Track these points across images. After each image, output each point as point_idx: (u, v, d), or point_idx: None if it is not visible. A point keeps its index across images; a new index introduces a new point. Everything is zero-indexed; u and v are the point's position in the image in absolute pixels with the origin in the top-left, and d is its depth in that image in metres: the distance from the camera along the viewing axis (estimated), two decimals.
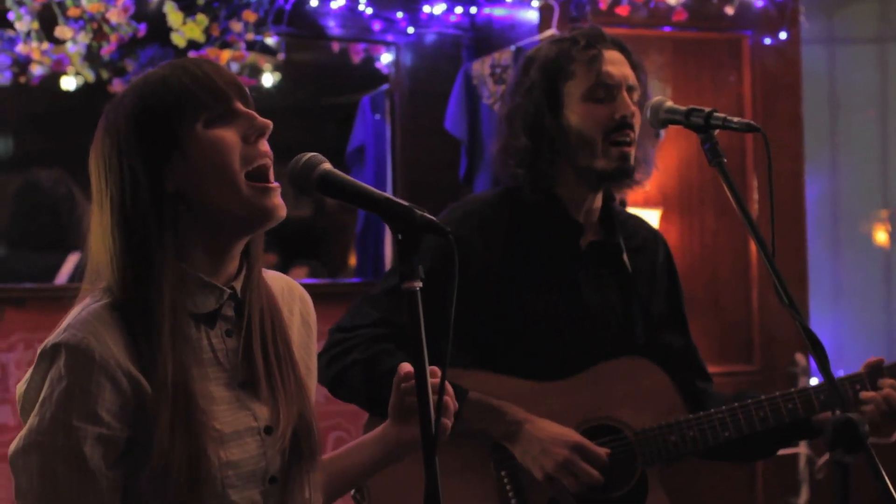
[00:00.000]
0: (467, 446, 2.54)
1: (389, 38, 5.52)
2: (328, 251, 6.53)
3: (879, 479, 1.86)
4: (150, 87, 1.74)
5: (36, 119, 5.58)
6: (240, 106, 1.76)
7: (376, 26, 5.43)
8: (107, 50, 4.70)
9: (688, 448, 2.59)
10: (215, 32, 4.76)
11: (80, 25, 4.63)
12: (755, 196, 5.21)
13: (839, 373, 2.61)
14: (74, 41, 4.64)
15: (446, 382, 1.79)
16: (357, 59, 5.68)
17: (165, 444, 1.66)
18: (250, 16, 4.81)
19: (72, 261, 4.71)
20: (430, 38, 5.57)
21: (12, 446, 1.68)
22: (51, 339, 1.69)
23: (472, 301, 2.58)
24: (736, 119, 2.24)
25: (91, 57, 4.83)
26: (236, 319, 1.81)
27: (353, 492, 2.54)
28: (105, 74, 5.05)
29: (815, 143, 5.84)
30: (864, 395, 2.55)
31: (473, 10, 5.52)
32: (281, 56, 5.43)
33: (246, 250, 1.83)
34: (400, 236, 1.66)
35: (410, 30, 5.49)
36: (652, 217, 4.91)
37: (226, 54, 4.73)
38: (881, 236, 6.36)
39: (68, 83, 4.89)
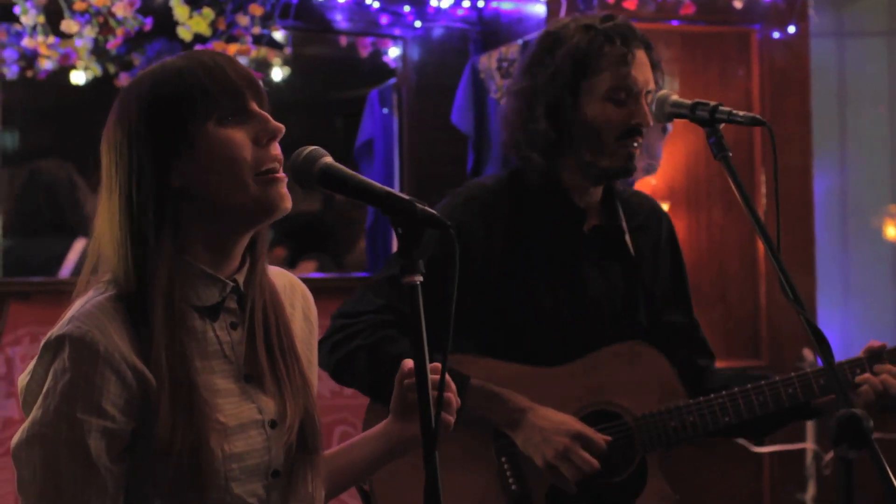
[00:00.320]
0: (468, 433, 2.55)
1: (397, 31, 5.52)
2: (337, 245, 6.54)
3: (884, 474, 1.85)
4: (165, 78, 1.73)
5: (43, 113, 5.59)
6: (254, 106, 1.75)
7: (384, 20, 5.42)
8: (113, 44, 4.70)
9: (688, 433, 2.60)
10: (221, 26, 4.76)
11: (86, 19, 4.63)
12: (763, 191, 5.19)
13: None
14: (81, 35, 4.64)
15: (448, 378, 1.79)
16: (365, 53, 5.68)
17: (167, 435, 1.66)
18: (257, 9, 4.80)
19: (77, 248, 4.72)
20: (437, 31, 5.56)
21: (15, 438, 1.68)
22: (55, 331, 1.68)
23: (475, 288, 2.58)
24: (741, 113, 2.24)
25: (98, 51, 4.84)
26: (240, 312, 1.81)
27: None
28: (112, 69, 5.06)
29: (823, 137, 5.82)
30: (860, 378, 2.56)
31: (481, 3, 5.51)
32: (288, 50, 5.43)
33: (251, 245, 1.82)
34: (401, 230, 1.65)
35: (418, 24, 5.48)
36: None
37: (232, 48, 4.73)
38: (890, 231, 6.34)
39: (78, 77, 4.90)
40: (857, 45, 6.32)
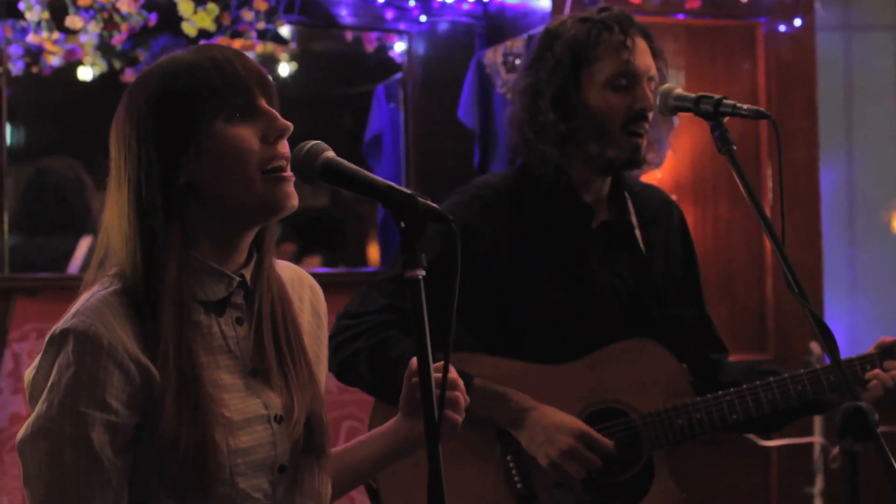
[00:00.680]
0: (473, 431, 2.54)
1: (402, 26, 5.51)
2: (346, 241, 6.54)
3: (889, 467, 1.85)
4: (174, 73, 1.73)
5: (49, 109, 5.59)
6: (263, 103, 1.75)
7: (389, 15, 5.41)
8: (118, 39, 4.70)
9: (695, 431, 2.59)
10: (226, 22, 4.76)
11: (91, 15, 4.63)
12: (769, 185, 5.18)
13: None
14: (86, 31, 4.64)
15: (457, 376, 1.79)
16: (370, 48, 5.67)
17: (172, 430, 1.66)
18: (261, 5, 4.80)
19: (84, 245, 4.73)
20: (442, 26, 5.55)
21: (20, 433, 1.68)
22: (59, 325, 1.69)
23: (481, 286, 2.58)
24: (746, 106, 2.24)
25: (103, 47, 4.84)
26: (247, 308, 1.81)
27: None
28: (118, 64, 5.06)
29: (830, 131, 5.81)
30: (870, 374, 2.55)
31: None
32: (293, 45, 5.42)
33: (258, 240, 1.82)
34: (403, 224, 1.65)
35: (423, 18, 5.48)
36: None
37: (237, 44, 4.73)
38: None
39: (85, 73, 4.90)
40: (863, 39, 6.30)
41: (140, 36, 4.92)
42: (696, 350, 2.77)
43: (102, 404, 1.65)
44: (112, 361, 1.66)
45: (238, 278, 1.79)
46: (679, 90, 2.36)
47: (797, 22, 5.27)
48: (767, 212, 4.63)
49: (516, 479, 2.57)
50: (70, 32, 4.69)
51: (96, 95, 5.12)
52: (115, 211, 1.74)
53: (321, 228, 6.29)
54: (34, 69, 4.95)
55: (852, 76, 6.30)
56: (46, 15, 4.64)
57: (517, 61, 4.99)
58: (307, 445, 1.82)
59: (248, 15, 4.79)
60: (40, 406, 1.66)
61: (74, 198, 4.82)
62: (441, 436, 1.60)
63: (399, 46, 5.63)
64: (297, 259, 5.97)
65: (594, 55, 2.61)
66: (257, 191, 1.72)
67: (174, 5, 4.71)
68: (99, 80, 4.99)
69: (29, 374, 1.71)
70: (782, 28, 5.27)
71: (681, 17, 5.16)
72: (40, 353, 1.70)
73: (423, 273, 1.63)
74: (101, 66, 4.90)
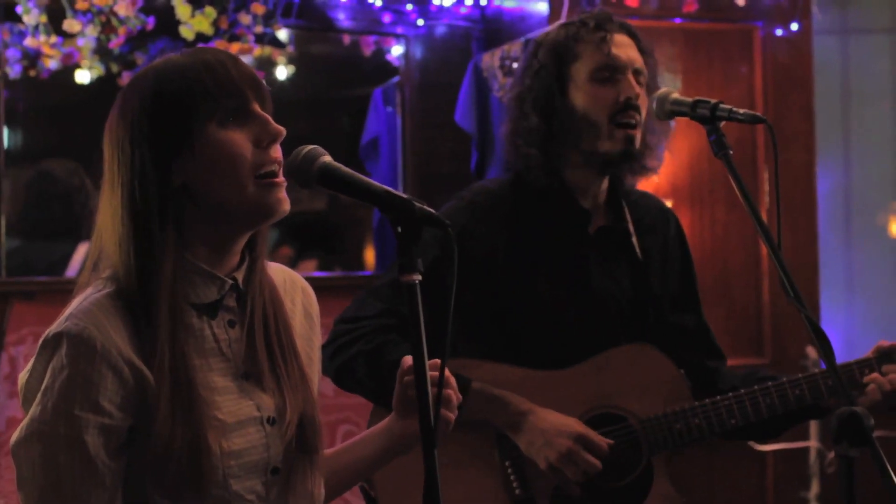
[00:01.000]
0: (472, 435, 2.55)
1: (399, 30, 5.51)
2: (343, 244, 6.54)
3: (885, 472, 1.85)
4: (168, 76, 1.73)
5: (46, 112, 5.59)
6: (256, 107, 1.75)
7: (386, 18, 5.42)
8: (115, 43, 4.70)
9: (693, 436, 2.59)
10: (224, 25, 4.76)
11: (89, 19, 4.63)
12: (766, 188, 5.18)
13: None
14: (83, 34, 4.64)
15: (449, 374, 1.79)
16: (368, 51, 5.68)
17: (166, 433, 1.66)
18: (259, 8, 4.80)
19: (82, 250, 4.72)
20: (440, 30, 5.56)
21: (14, 436, 1.68)
22: (53, 328, 1.69)
23: (479, 291, 2.58)
24: (742, 110, 2.24)
25: (101, 50, 4.84)
26: (239, 310, 1.81)
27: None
28: (115, 68, 5.06)
29: (827, 134, 5.82)
30: (868, 377, 2.55)
31: (483, 1, 5.51)
32: (290, 49, 5.42)
33: (251, 243, 1.83)
34: (399, 229, 1.65)
35: (420, 22, 5.48)
36: None
37: (234, 47, 4.73)
38: (894, 228, 6.33)
39: (82, 76, 4.90)
40: (860, 42, 6.31)
41: (138, 39, 4.92)
42: (693, 357, 2.77)
43: (96, 407, 1.65)
44: (106, 364, 1.66)
45: (230, 281, 1.79)
46: (675, 94, 2.36)
47: (794, 26, 5.27)
48: (764, 215, 4.65)
49: (514, 484, 2.57)
50: (68, 36, 4.69)
51: (94, 99, 5.12)
52: (108, 213, 1.74)
53: (318, 232, 6.29)
54: (32, 72, 4.95)
55: (849, 80, 6.31)
56: (44, 18, 4.63)
57: (514, 65, 4.99)
58: (300, 447, 1.82)
59: (245, 18, 4.79)
60: (34, 409, 1.67)
61: (77, 204, 4.81)
62: (434, 435, 1.61)
63: (396, 50, 5.63)
64: (293, 263, 5.97)
65: (576, 53, 2.64)
66: (249, 195, 1.72)
67: (172, 9, 4.71)
68: (96, 84, 4.99)
69: (23, 377, 1.71)
70: (779, 32, 5.27)
71: (678, 21, 5.17)
72: (34, 357, 1.70)
73: (420, 278, 1.63)
74: (99, 70, 4.91)
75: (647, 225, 2.77)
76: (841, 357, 2.26)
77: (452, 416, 1.89)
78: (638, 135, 2.62)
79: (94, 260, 1.77)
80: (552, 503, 2.57)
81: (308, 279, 2.03)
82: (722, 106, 2.24)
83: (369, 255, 6.15)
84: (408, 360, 1.88)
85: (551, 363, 2.63)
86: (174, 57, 1.77)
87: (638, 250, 2.73)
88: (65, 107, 5.46)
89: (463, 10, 5.51)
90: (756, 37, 5.28)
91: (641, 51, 2.66)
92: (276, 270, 1.95)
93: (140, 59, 5.17)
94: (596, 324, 2.67)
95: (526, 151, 2.65)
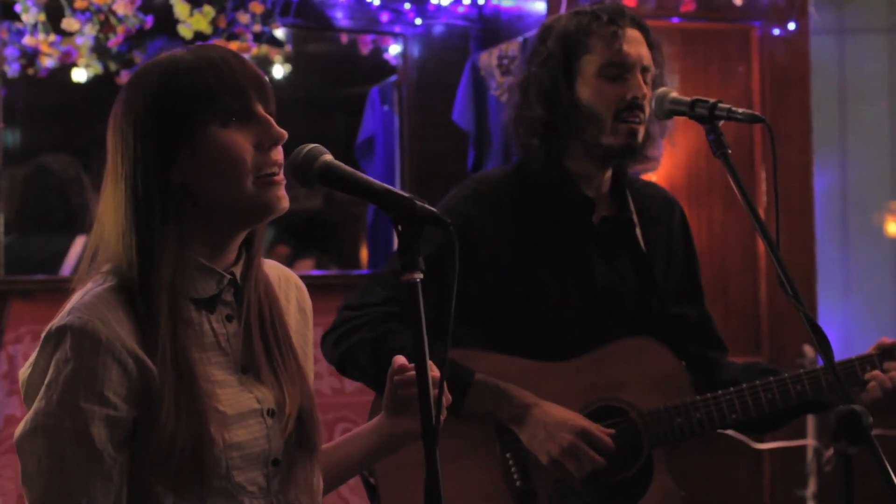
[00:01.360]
0: (473, 428, 2.55)
1: (397, 29, 5.52)
2: (339, 243, 6.54)
3: (883, 470, 1.85)
4: (173, 71, 1.73)
5: (45, 111, 5.59)
6: (259, 108, 1.75)
7: (384, 17, 5.42)
8: (114, 42, 4.71)
9: (694, 430, 2.59)
10: (222, 24, 4.76)
11: (87, 17, 4.63)
12: (763, 188, 5.19)
13: None
14: (82, 33, 4.64)
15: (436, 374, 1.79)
16: (365, 50, 5.68)
17: (170, 425, 1.67)
18: (257, 7, 4.80)
19: (79, 243, 4.72)
20: (437, 29, 5.56)
21: (18, 430, 1.68)
22: (55, 322, 1.69)
23: (482, 281, 2.58)
24: (741, 110, 2.24)
25: (99, 49, 4.84)
26: (236, 305, 1.82)
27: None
28: (113, 66, 5.06)
29: (824, 134, 5.82)
30: (870, 374, 2.55)
31: (481, 1, 5.51)
32: (288, 48, 5.42)
33: (248, 240, 1.83)
34: (400, 227, 1.66)
35: (418, 21, 5.48)
36: None
37: (233, 46, 4.72)
38: (891, 228, 6.34)
39: (79, 75, 4.90)
40: (857, 42, 6.31)
41: (136, 38, 4.91)
42: (695, 348, 2.77)
43: (102, 399, 1.66)
44: (110, 356, 1.66)
45: (228, 276, 1.80)
46: (674, 94, 2.37)
47: (791, 25, 5.28)
48: (761, 214, 4.66)
49: (515, 476, 2.58)
50: (66, 34, 4.69)
51: (92, 97, 5.11)
52: (111, 206, 1.74)
53: (314, 230, 6.29)
54: (30, 71, 4.95)
55: (846, 79, 6.31)
56: (42, 17, 4.63)
57: (512, 64, 5.00)
58: (300, 440, 1.83)
59: (244, 17, 4.79)
60: (38, 403, 1.67)
61: (73, 196, 4.81)
62: (436, 435, 1.61)
63: (394, 49, 5.64)
64: (290, 262, 5.97)
65: (585, 46, 2.62)
66: (249, 193, 1.73)
67: (170, 7, 4.71)
68: (94, 82, 4.99)
69: (24, 373, 1.71)
70: (776, 31, 5.28)
71: (675, 20, 5.17)
72: (35, 352, 1.71)
73: (421, 276, 1.63)
74: (97, 68, 4.91)
75: (651, 215, 2.77)
76: (837, 356, 2.26)
77: (441, 416, 1.90)
78: (641, 129, 2.62)
79: (92, 250, 1.78)
80: (553, 495, 2.57)
81: (304, 278, 2.04)
82: (720, 105, 2.24)
83: (364, 254, 6.15)
84: (399, 359, 1.89)
85: (553, 353, 2.62)
86: (179, 53, 1.76)
87: (641, 242, 2.73)
88: (63, 105, 5.46)
89: (460, 10, 5.51)
90: (753, 36, 5.28)
91: (650, 45, 2.66)
92: (271, 267, 1.96)
93: (138, 57, 5.17)
94: (598, 314, 2.66)
95: (527, 142, 2.66)
